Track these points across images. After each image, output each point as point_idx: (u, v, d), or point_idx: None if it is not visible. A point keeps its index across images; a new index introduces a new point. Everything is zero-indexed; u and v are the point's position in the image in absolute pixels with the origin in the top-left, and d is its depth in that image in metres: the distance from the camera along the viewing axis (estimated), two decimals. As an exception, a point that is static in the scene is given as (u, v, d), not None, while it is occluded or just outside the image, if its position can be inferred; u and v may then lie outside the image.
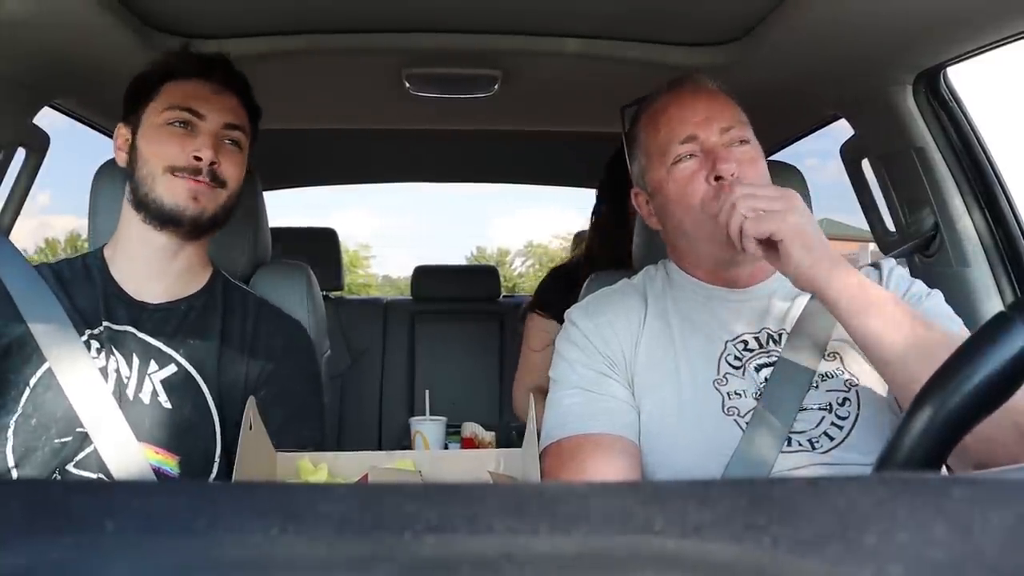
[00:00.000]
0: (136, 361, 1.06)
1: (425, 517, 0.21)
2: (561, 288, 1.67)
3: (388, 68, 1.53)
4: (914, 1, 1.09)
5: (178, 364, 1.07)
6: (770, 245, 0.86)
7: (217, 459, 1.07)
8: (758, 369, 0.96)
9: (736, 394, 0.95)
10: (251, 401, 0.77)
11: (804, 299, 1.00)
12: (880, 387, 0.93)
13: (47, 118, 1.48)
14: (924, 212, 1.47)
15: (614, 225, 1.72)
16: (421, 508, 0.21)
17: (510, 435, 2.09)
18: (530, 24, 1.38)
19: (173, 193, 1.07)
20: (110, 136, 1.17)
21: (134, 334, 1.08)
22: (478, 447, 1.62)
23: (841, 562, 0.19)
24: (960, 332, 0.92)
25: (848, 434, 0.91)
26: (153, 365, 1.07)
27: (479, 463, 0.87)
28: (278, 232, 1.49)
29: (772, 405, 0.92)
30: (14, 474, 1.01)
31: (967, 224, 1.41)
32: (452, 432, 1.67)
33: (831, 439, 0.91)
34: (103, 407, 1.02)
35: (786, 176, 1.35)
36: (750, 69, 1.43)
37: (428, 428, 1.49)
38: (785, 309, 1.00)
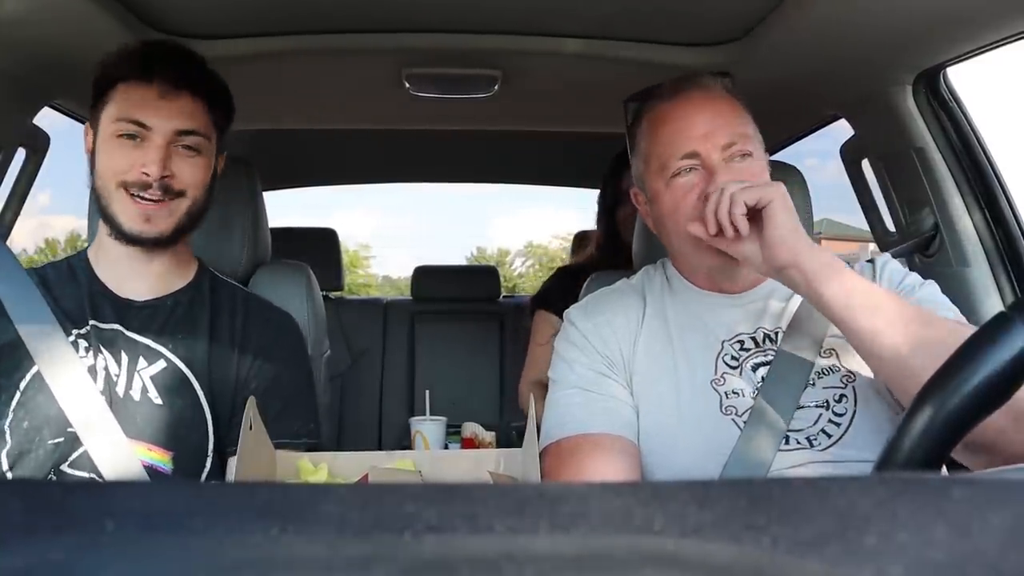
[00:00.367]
0: (125, 358, 1.06)
1: (425, 517, 0.21)
2: (568, 287, 1.69)
3: (388, 68, 1.53)
4: (914, 1, 1.09)
5: (167, 360, 1.07)
6: (756, 219, 0.87)
7: (210, 454, 1.07)
8: (755, 368, 0.96)
9: (734, 393, 0.95)
10: (251, 401, 0.78)
11: (799, 297, 0.99)
12: (877, 383, 0.93)
13: (47, 118, 1.49)
14: (924, 212, 1.47)
15: (606, 236, 1.80)
16: (421, 508, 0.21)
17: (510, 435, 2.09)
18: (530, 24, 1.38)
19: (128, 215, 1.05)
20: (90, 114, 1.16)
21: (121, 332, 1.08)
22: (478, 447, 1.62)
23: (841, 562, 0.19)
24: (957, 320, 0.93)
25: (846, 431, 0.91)
26: (142, 362, 1.06)
27: (479, 463, 0.87)
28: (278, 232, 1.49)
29: (769, 403, 0.92)
30: (9, 477, 1.01)
31: (967, 224, 1.41)
32: (452, 432, 1.67)
33: (829, 436, 0.91)
34: (92, 407, 1.01)
35: (786, 176, 1.34)
36: (750, 69, 1.43)
37: (428, 428, 1.49)
38: (781, 308, 1.00)
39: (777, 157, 1.95)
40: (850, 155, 1.69)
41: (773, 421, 0.91)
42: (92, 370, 1.04)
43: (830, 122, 1.72)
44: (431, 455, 1.17)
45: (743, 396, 0.94)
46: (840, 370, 0.95)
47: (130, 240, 1.06)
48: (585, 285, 1.31)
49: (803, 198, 1.33)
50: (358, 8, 1.31)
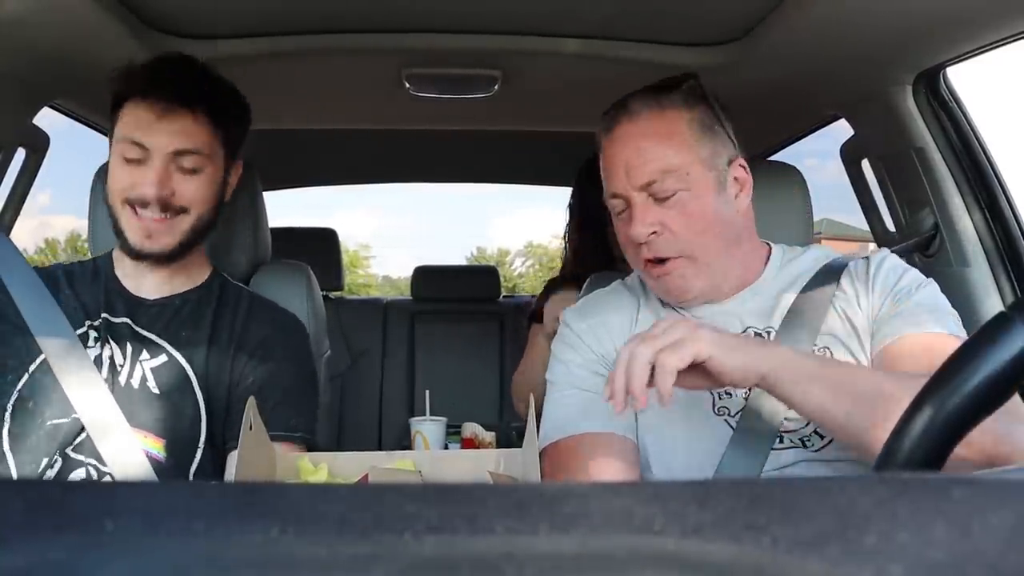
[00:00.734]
0: (130, 350, 1.10)
1: (425, 517, 0.21)
2: None
3: (388, 68, 1.53)
4: (914, 1, 1.09)
5: (168, 355, 1.10)
6: (692, 370, 0.77)
7: (201, 445, 1.09)
8: None
9: (726, 394, 0.95)
10: (251, 401, 0.78)
11: (792, 296, 0.99)
12: None
13: (47, 118, 1.49)
14: (924, 212, 1.47)
15: (592, 244, 1.72)
16: (421, 508, 0.21)
17: (510, 435, 2.09)
18: (530, 24, 1.38)
19: (131, 230, 1.08)
20: (110, 136, 1.17)
21: (130, 326, 1.12)
22: (478, 447, 1.62)
23: (841, 562, 0.19)
24: (947, 329, 0.90)
25: None
26: (145, 354, 1.10)
27: (479, 463, 0.87)
28: (278, 232, 1.49)
29: (762, 403, 0.91)
30: (9, 457, 1.04)
31: (967, 224, 1.41)
32: (452, 432, 1.66)
33: (822, 438, 0.91)
34: (96, 393, 1.05)
35: (786, 176, 1.35)
36: (750, 69, 1.43)
37: (428, 428, 1.48)
38: (770, 307, 0.99)
39: (777, 157, 1.96)
40: (850, 155, 1.69)
41: (766, 421, 0.90)
42: (99, 359, 1.09)
43: (830, 122, 1.72)
44: (431, 455, 1.17)
45: (735, 396, 0.94)
46: None
47: (134, 255, 1.10)
48: (585, 286, 1.32)
49: (803, 198, 1.33)
50: (358, 8, 1.31)
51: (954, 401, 0.50)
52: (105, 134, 1.68)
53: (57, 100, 1.48)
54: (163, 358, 1.10)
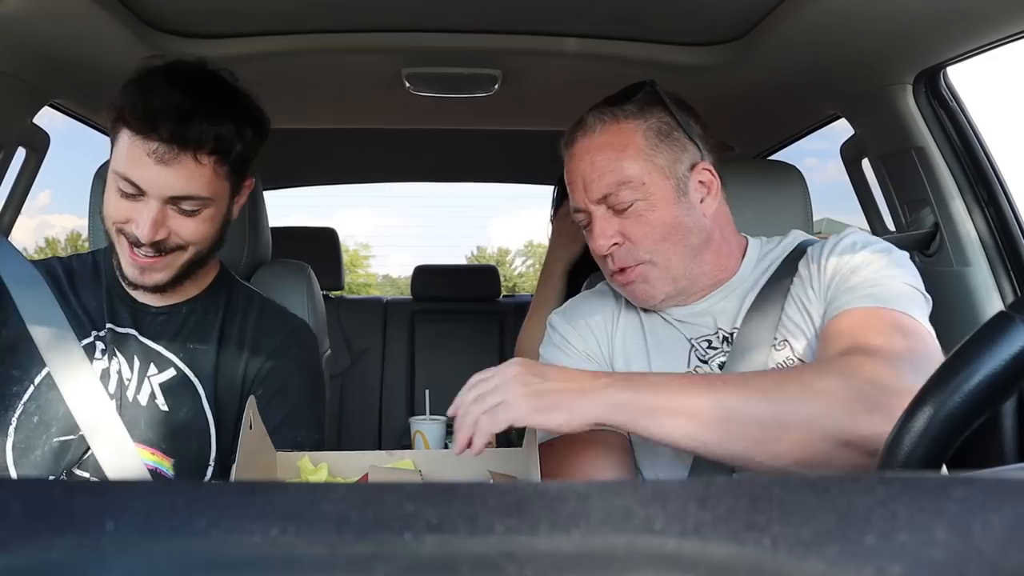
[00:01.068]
0: (137, 363, 1.06)
1: (425, 517, 0.21)
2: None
3: (388, 68, 1.53)
4: (914, 1, 1.09)
5: (176, 368, 1.07)
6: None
7: (212, 462, 1.07)
8: (721, 367, 0.97)
9: None
10: (251, 400, 0.78)
11: (754, 295, 0.99)
12: None
13: (47, 118, 1.49)
14: (924, 212, 1.47)
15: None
16: (421, 508, 0.21)
17: (510, 435, 2.09)
18: (530, 24, 1.38)
19: (125, 261, 1.03)
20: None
21: (136, 337, 1.08)
22: (478, 447, 1.61)
23: (841, 562, 0.19)
24: (886, 303, 0.83)
25: None
26: (153, 368, 1.07)
27: (479, 463, 0.87)
28: (278, 232, 1.49)
29: None
30: (13, 472, 1.02)
31: (967, 224, 1.41)
32: (452, 432, 1.66)
33: None
34: (101, 413, 1.02)
35: (786, 176, 1.35)
36: (750, 68, 1.43)
37: (428, 428, 1.48)
38: (736, 308, 0.99)
39: (777, 157, 1.96)
40: (850, 155, 1.69)
41: None
42: (106, 373, 1.05)
43: (830, 122, 1.72)
44: (431, 455, 1.17)
45: None
46: (794, 361, 0.93)
47: (129, 285, 1.06)
48: (585, 285, 1.32)
49: (803, 198, 1.33)
50: (358, 8, 1.31)
51: (954, 400, 0.50)
52: (105, 134, 1.68)
53: (57, 100, 1.48)
54: (171, 372, 1.07)
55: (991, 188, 1.40)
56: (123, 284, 1.10)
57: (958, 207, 1.41)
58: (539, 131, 2.15)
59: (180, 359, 1.08)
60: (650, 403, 0.71)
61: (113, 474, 1.00)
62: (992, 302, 1.38)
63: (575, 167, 1.00)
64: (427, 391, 1.66)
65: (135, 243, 1.00)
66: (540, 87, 1.66)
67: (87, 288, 1.11)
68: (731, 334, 0.98)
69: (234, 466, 0.74)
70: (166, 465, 1.04)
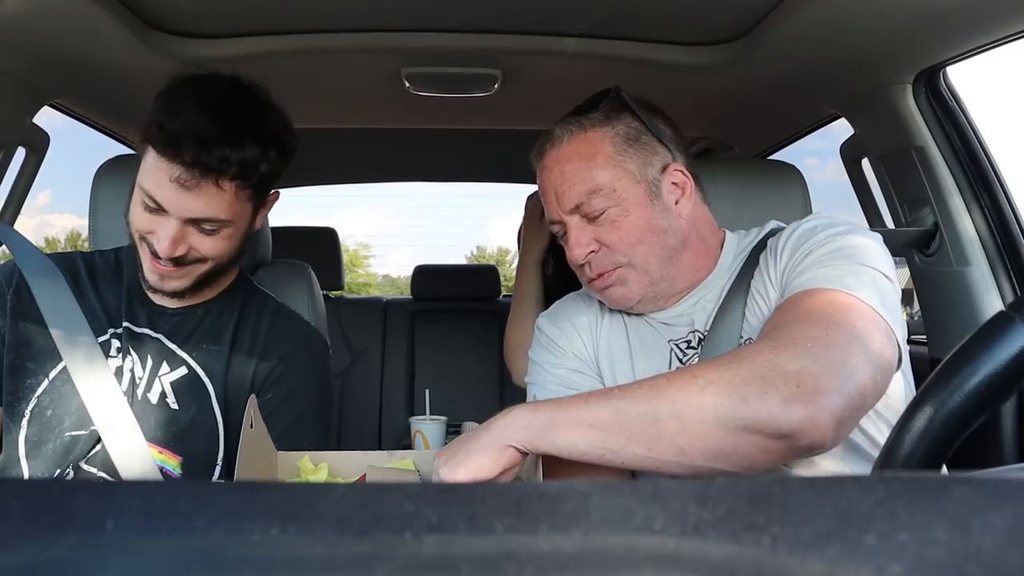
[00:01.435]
0: (150, 362, 1.08)
1: (425, 517, 0.21)
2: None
3: (388, 68, 1.53)
4: (914, 1, 1.09)
5: (188, 367, 1.08)
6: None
7: (219, 461, 1.08)
8: None
9: None
10: (252, 400, 0.78)
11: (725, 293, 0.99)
12: None
13: (47, 118, 1.49)
14: (924, 211, 1.47)
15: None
16: (421, 507, 0.21)
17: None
18: (530, 24, 1.38)
19: (147, 267, 1.04)
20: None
21: (151, 336, 1.09)
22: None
23: (841, 562, 0.19)
24: (831, 285, 0.80)
25: None
26: (165, 367, 1.08)
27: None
28: (278, 232, 1.49)
29: None
30: (23, 464, 1.03)
31: (967, 223, 1.41)
32: (452, 432, 1.66)
33: None
34: (115, 406, 1.03)
35: (786, 176, 1.35)
36: (750, 68, 1.43)
37: (428, 428, 1.48)
38: (711, 308, 1.00)
39: (777, 157, 1.96)
40: (850, 154, 1.69)
41: None
42: (119, 371, 1.06)
43: (830, 121, 1.72)
44: (431, 455, 1.17)
45: None
46: None
47: (148, 289, 1.08)
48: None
49: (803, 198, 1.33)
50: (358, 7, 1.31)
51: (955, 400, 0.50)
52: (105, 133, 1.68)
53: (57, 100, 1.48)
54: (183, 371, 1.08)
55: (991, 188, 1.40)
56: (143, 286, 1.11)
57: (958, 207, 1.41)
58: (539, 131, 2.15)
59: (193, 358, 1.09)
60: (551, 419, 0.71)
61: (124, 470, 1.01)
62: (992, 302, 1.38)
63: (546, 179, 1.01)
64: (427, 391, 1.66)
65: (155, 254, 1.01)
66: (540, 87, 1.66)
67: (108, 285, 1.12)
68: (705, 334, 0.98)
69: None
70: (173, 464, 1.05)
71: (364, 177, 3.01)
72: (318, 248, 2.52)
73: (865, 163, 1.65)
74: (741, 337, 0.93)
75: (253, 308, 1.16)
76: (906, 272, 1.56)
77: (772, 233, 1.00)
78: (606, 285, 0.99)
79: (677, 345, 1.00)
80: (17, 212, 1.54)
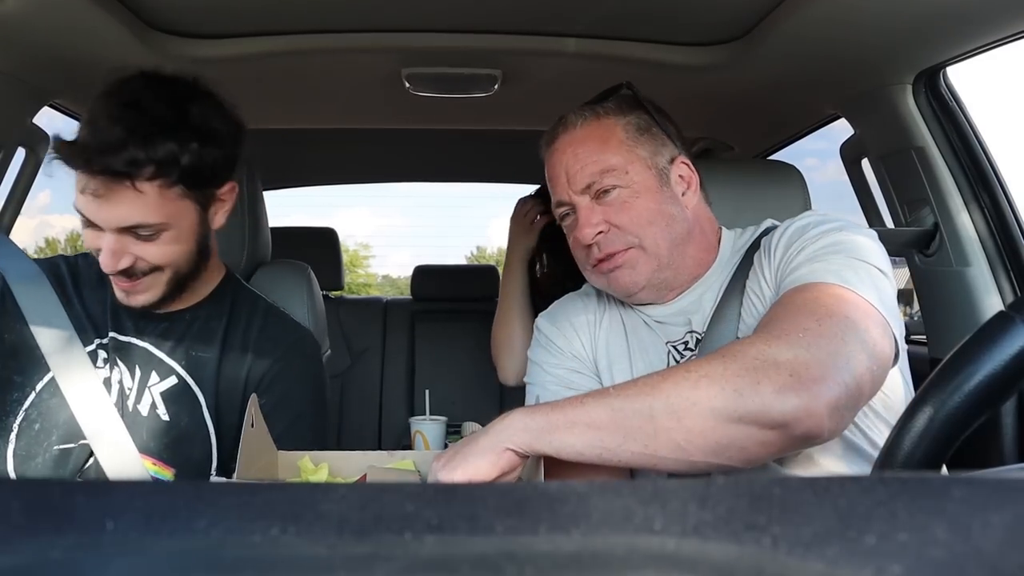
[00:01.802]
0: (139, 373, 1.05)
1: (425, 517, 0.21)
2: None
3: (388, 68, 1.53)
4: (914, 1, 1.09)
5: (178, 376, 1.06)
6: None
7: (213, 471, 1.06)
8: None
9: None
10: (253, 399, 0.77)
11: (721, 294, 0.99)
12: None
13: (47, 118, 1.49)
14: (924, 212, 1.47)
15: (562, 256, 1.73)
16: (421, 508, 0.21)
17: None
18: (530, 24, 1.38)
19: (113, 284, 1.01)
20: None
21: (138, 345, 1.07)
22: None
23: (841, 562, 0.19)
24: (825, 279, 0.80)
25: None
26: (154, 377, 1.06)
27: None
28: (278, 232, 1.49)
29: None
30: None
31: (967, 223, 1.41)
32: (452, 432, 1.67)
33: None
34: (105, 418, 1.01)
35: (786, 176, 1.35)
36: (750, 69, 1.43)
37: (428, 428, 1.48)
38: (708, 308, 1.00)
39: (777, 157, 1.96)
40: (850, 155, 1.69)
41: None
42: (107, 382, 1.04)
43: (830, 122, 1.72)
44: (431, 455, 1.17)
45: None
46: None
47: (123, 305, 1.04)
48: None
49: (803, 198, 1.33)
50: (358, 8, 1.31)
51: (955, 400, 0.50)
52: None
53: (57, 100, 1.48)
54: (172, 380, 1.05)
55: (991, 188, 1.40)
56: None
57: (958, 207, 1.41)
58: (539, 131, 2.15)
59: (182, 367, 1.06)
60: (548, 421, 0.71)
61: (115, 478, 1.00)
62: (992, 301, 1.38)
63: (557, 161, 1.01)
64: (427, 391, 1.66)
65: (108, 272, 0.98)
66: (540, 87, 1.66)
67: (91, 291, 1.09)
68: (702, 335, 0.98)
69: (235, 467, 0.74)
70: (167, 475, 1.03)
71: (364, 177, 3.01)
72: (318, 248, 2.52)
73: (865, 163, 1.65)
74: (738, 337, 0.93)
75: (243, 311, 1.13)
76: (906, 272, 1.56)
77: (767, 232, 1.01)
78: (614, 267, 0.98)
79: (675, 347, 1.00)
80: (17, 212, 1.55)
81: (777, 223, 1.02)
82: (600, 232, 0.97)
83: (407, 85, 1.59)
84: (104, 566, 0.19)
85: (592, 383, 1.04)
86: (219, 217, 1.06)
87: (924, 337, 1.55)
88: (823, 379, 0.67)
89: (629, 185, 0.97)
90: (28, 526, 0.21)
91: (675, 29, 1.39)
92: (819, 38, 1.27)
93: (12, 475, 1.01)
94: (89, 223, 0.96)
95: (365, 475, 0.83)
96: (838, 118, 1.66)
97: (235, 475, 0.75)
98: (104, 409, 1.01)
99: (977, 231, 1.41)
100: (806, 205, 1.31)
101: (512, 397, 2.05)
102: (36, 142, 1.51)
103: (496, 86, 1.60)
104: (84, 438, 1.01)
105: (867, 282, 0.80)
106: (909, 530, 0.20)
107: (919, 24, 1.17)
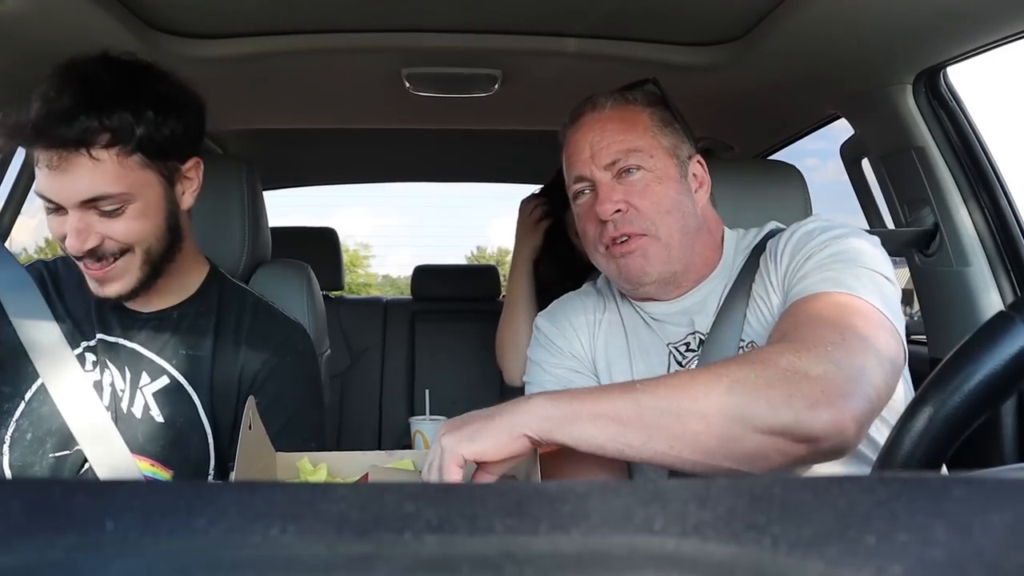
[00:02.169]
0: (129, 374, 1.04)
1: (425, 517, 0.21)
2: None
3: (388, 68, 1.53)
4: (914, 1, 1.09)
5: (170, 376, 1.05)
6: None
7: (211, 470, 1.05)
8: None
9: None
10: (251, 400, 0.77)
11: (727, 290, 0.99)
12: None
13: (47, 118, 1.48)
14: (924, 212, 1.47)
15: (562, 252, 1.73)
16: (421, 508, 0.21)
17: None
18: (530, 24, 1.38)
19: (86, 276, 0.99)
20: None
21: (127, 346, 1.05)
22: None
23: (841, 562, 0.19)
24: (840, 288, 0.81)
25: None
26: (145, 377, 1.04)
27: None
28: (278, 232, 1.49)
29: None
30: None
31: (967, 223, 1.41)
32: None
33: None
34: (95, 420, 1.00)
35: (786, 176, 1.35)
36: (750, 69, 1.43)
37: (428, 428, 1.48)
38: (712, 309, 1.00)
39: (777, 157, 1.96)
40: (850, 155, 1.69)
41: None
42: (98, 385, 1.02)
43: (830, 122, 1.72)
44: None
45: None
46: None
47: (98, 294, 1.01)
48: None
49: (803, 198, 1.33)
50: (358, 8, 1.31)
51: (955, 400, 0.50)
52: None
53: (57, 100, 1.48)
54: (164, 381, 1.04)
55: (991, 188, 1.40)
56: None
57: (958, 207, 1.41)
58: (539, 131, 2.15)
59: (173, 366, 1.05)
60: (572, 411, 0.70)
61: (108, 479, 0.99)
62: (992, 301, 1.38)
63: (582, 136, 1.01)
64: (427, 391, 1.66)
65: (77, 258, 0.96)
66: (540, 87, 1.66)
67: (74, 294, 1.07)
68: (706, 336, 0.98)
69: (233, 467, 0.74)
70: (164, 477, 1.03)
71: (364, 177, 3.01)
72: (318, 248, 2.52)
73: (865, 163, 1.65)
74: (742, 340, 0.93)
75: (232, 307, 1.11)
76: (906, 272, 1.56)
77: (771, 235, 1.01)
78: (627, 252, 0.98)
79: (676, 348, 1.00)
80: (17, 213, 1.55)
81: (781, 225, 1.03)
82: (618, 211, 0.97)
83: (407, 85, 1.59)
84: (104, 566, 0.19)
85: (591, 384, 1.04)
86: (187, 197, 1.04)
87: (924, 337, 1.55)
88: (851, 395, 0.68)
89: (652, 170, 0.98)
90: (27, 526, 0.21)
91: (675, 29, 1.39)
92: (819, 38, 1.27)
93: None
94: (53, 208, 0.94)
95: (366, 475, 0.83)
96: (838, 118, 1.66)
97: (233, 476, 0.75)
98: (95, 412, 1.00)
99: (977, 231, 1.41)
100: (806, 205, 1.32)
101: (513, 397, 2.04)
102: (36, 142, 1.50)
103: (496, 86, 1.60)
104: (78, 444, 1.00)
105: (875, 290, 0.81)
106: (909, 530, 0.20)
107: (919, 24, 1.17)
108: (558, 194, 1.73)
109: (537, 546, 0.20)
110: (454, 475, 0.70)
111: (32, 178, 1.54)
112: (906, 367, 0.91)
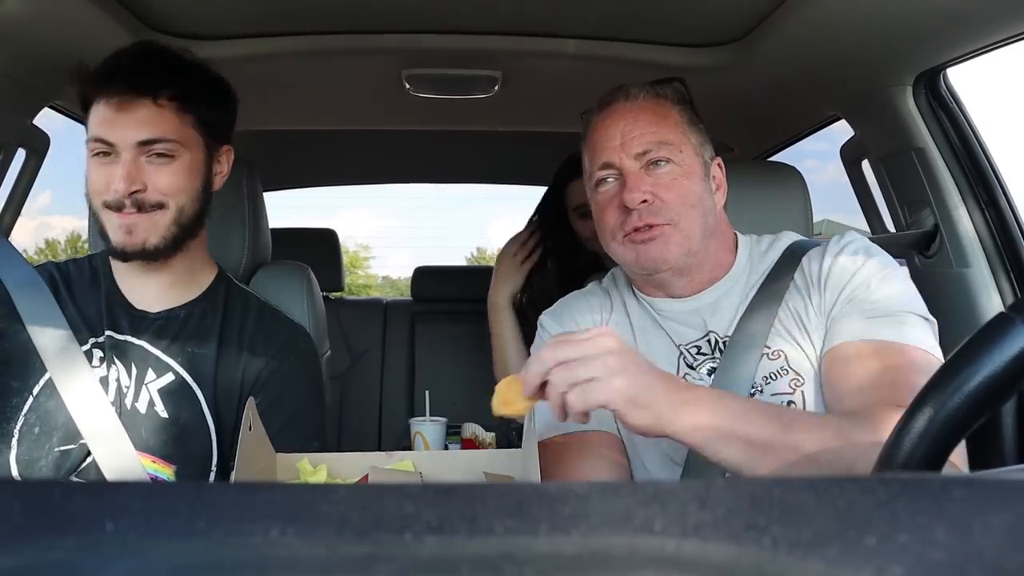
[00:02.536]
0: (135, 371, 1.06)
1: (425, 517, 0.21)
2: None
3: (388, 69, 1.53)
4: (914, 1, 1.09)
5: (175, 373, 1.06)
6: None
7: (214, 467, 1.06)
8: (710, 373, 0.97)
9: (697, 379, 0.96)
10: (251, 401, 0.77)
11: (747, 301, 0.99)
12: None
13: (47, 118, 1.49)
14: (924, 212, 1.47)
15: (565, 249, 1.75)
16: (421, 508, 0.21)
17: (510, 435, 2.09)
18: (530, 24, 1.38)
19: (112, 229, 1.03)
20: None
21: (135, 343, 1.07)
22: (478, 448, 1.62)
23: (841, 562, 0.19)
24: (902, 337, 0.87)
25: None
26: (151, 374, 1.06)
27: (479, 464, 0.87)
28: (278, 232, 1.49)
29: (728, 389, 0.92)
30: None
31: (967, 224, 1.41)
32: (452, 433, 1.66)
33: None
34: (102, 417, 1.01)
35: (786, 176, 1.35)
36: (750, 69, 1.43)
37: (428, 429, 1.48)
38: (729, 313, 1.00)
39: (777, 157, 1.96)
40: (850, 155, 1.69)
41: None
42: (104, 381, 1.04)
43: (830, 122, 1.72)
44: (431, 456, 1.17)
45: (705, 382, 0.96)
46: (788, 373, 0.93)
47: (120, 256, 1.05)
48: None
49: (803, 198, 1.33)
50: (358, 9, 1.31)
51: (955, 401, 0.50)
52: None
53: (57, 100, 1.48)
54: (170, 377, 1.06)
55: (991, 189, 1.40)
56: (123, 291, 1.10)
57: (958, 208, 1.41)
58: (539, 132, 2.16)
59: (179, 363, 1.07)
60: (726, 429, 0.73)
61: (113, 478, 1.00)
62: (992, 302, 1.38)
63: (612, 123, 1.01)
64: (427, 392, 1.66)
65: (117, 208, 1.01)
66: (540, 88, 1.66)
67: (85, 294, 1.10)
68: (724, 340, 0.98)
69: (234, 468, 0.74)
70: (167, 473, 1.03)
71: (364, 178, 3.01)
72: (318, 249, 2.52)
73: (865, 164, 1.65)
74: (767, 347, 0.94)
75: (237, 307, 1.14)
76: (906, 273, 1.56)
77: (796, 251, 1.01)
78: (648, 238, 0.98)
79: (687, 350, 0.99)
80: (17, 214, 1.54)
81: (801, 237, 1.06)
82: (644, 201, 0.97)
83: (407, 86, 1.59)
84: (104, 567, 0.19)
85: None
86: (218, 180, 1.13)
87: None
88: None
89: (681, 164, 0.99)
90: (28, 527, 0.21)
91: (675, 30, 1.39)
92: (819, 39, 1.27)
93: (17, 479, 1.01)
94: (106, 151, 1.01)
95: (366, 476, 0.83)
96: (838, 119, 1.66)
97: (233, 477, 0.75)
98: (100, 407, 1.01)
99: (977, 232, 1.41)
100: (806, 206, 1.31)
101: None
102: (36, 143, 1.51)
103: (496, 87, 1.60)
104: (83, 438, 1.01)
105: (932, 338, 0.88)
106: (909, 531, 0.20)
107: (919, 26, 1.17)
108: (553, 207, 1.74)
109: (537, 547, 0.20)
110: (590, 407, 0.72)
111: (32, 179, 1.54)
112: None
